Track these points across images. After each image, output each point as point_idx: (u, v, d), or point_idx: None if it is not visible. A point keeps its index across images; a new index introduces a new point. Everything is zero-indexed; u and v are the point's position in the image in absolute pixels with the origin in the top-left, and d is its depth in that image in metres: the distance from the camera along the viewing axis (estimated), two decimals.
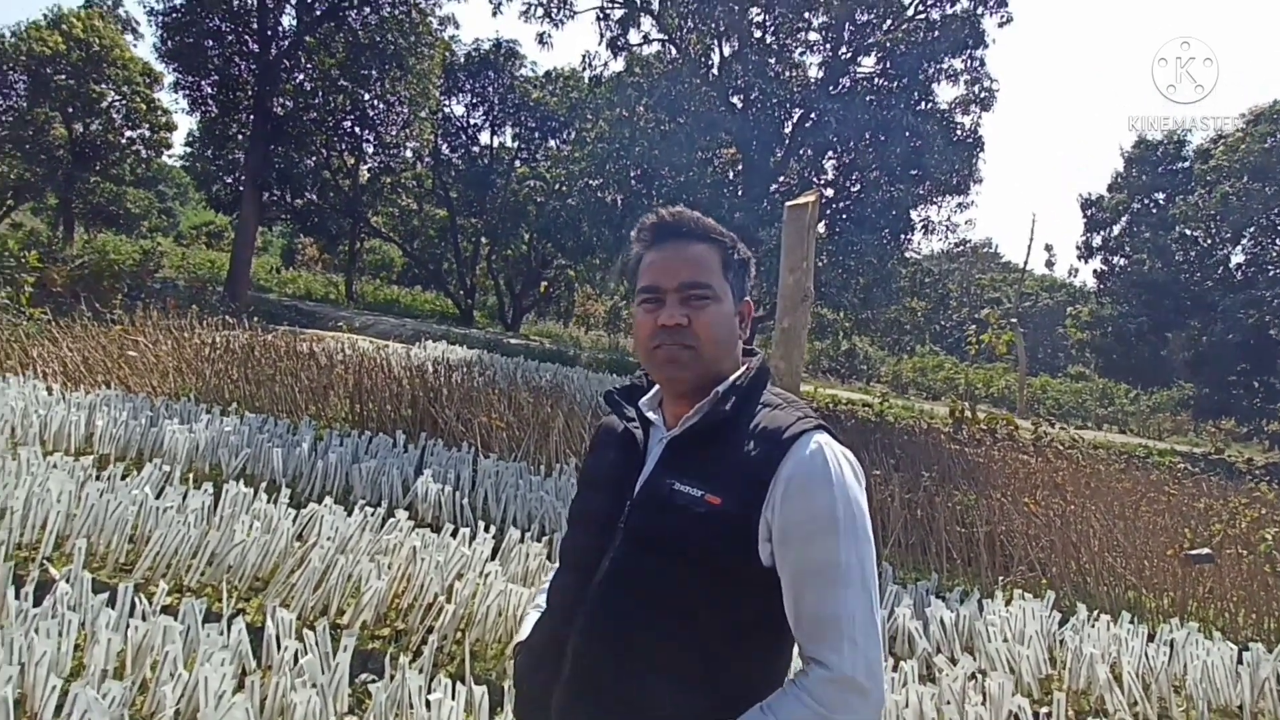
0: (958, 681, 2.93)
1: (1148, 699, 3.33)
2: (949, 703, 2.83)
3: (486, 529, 3.78)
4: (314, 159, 21.89)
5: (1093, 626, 3.81)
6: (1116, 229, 23.34)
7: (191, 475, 4.27)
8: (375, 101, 20.92)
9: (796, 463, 1.07)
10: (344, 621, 3.13)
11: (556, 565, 1.32)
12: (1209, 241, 19.88)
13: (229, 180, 20.94)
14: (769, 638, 1.12)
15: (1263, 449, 19.13)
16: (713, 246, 1.20)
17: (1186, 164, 21.96)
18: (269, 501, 3.77)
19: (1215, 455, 15.64)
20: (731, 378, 1.19)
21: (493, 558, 3.66)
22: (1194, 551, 4.54)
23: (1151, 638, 3.81)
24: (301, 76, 19.90)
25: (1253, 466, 14.49)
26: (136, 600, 2.59)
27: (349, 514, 3.76)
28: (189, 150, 26.25)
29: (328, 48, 19.53)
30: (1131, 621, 3.93)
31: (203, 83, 18.72)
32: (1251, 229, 18.60)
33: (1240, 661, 3.57)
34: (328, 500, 3.84)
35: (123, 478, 3.87)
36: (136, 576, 3.19)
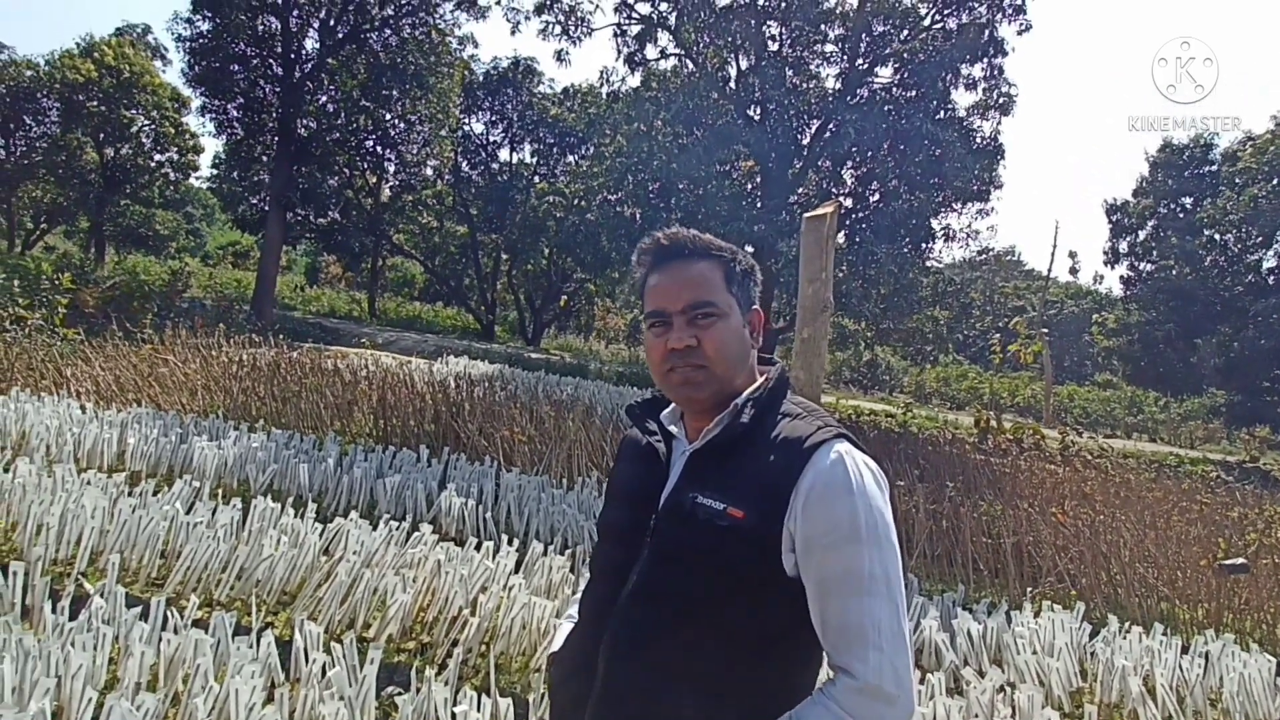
0: (986, 694, 2.89)
1: (1182, 712, 3.26)
2: (977, 716, 2.80)
3: (510, 542, 3.81)
4: (337, 178, 22.30)
5: (1124, 638, 3.74)
6: (1143, 234, 23.01)
7: (220, 491, 4.34)
8: (396, 121, 21.30)
9: (817, 472, 1.07)
10: (370, 635, 3.16)
11: (587, 576, 1.34)
12: (1238, 246, 19.53)
13: (254, 201, 21.39)
14: (797, 648, 1.13)
15: None
16: (713, 263, 1.21)
17: (1214, 167, 21.62)
18: (296, 516, 3.82)
19: (1250, 463, 15.27)
20: (749, 390, 1.19)
21: (516, 571, 3.68)
22: (1228, 561, 4.44)
23: (1186, 649, 3.73)
24: (324, 98, 20.33)
25: None
26: (168, 614, 2.64)
27: (374, 528, 3.80)
28: (215, 172, 26.89)
29: (349, 69, 19.94)
30: (1165, 633, 3.84)
31: (229, 106, 19.20)
32: None
33: (1279, 674, 3.48)
34: (353, 515, 3.88)
35: (154, 494, 3.95)
36: (168, 591, 3.25)
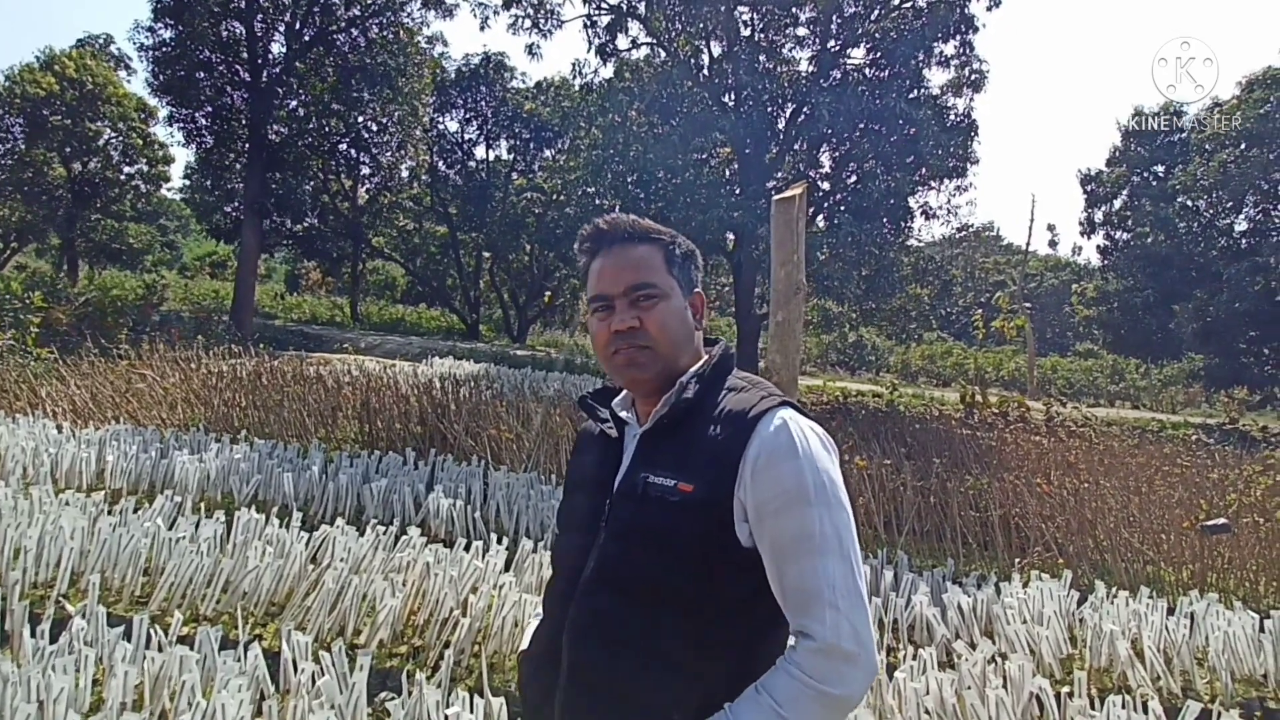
0: (977, 666, 2.92)
1: (1170, 673, 3.30)
2: (969, 688, 2.82)
3: (499, 541, 3.79)
4: (312, 183, 22.05)
5: (1111, 603, 3.78)
6: (1117, 203, 23.22)
7: (203, 505, 4.29)
8: (369, 123, 21.07)
9: (762, 440, 1.08)
10: (361, 641, 3.14)
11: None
12: (1211, 211, 19.75)
13: (228, 209, 21.11)
14: (759, 618, 1.12)
15: (1277, 416, 18.96)
16: (653, 246, 1.23)
17: (1184, 135, 21.84)
18: (281, 526, 3.79)
19: (1230, 425, 15.50)
20: (694, 368, 1.21)
21: (506, 569, 3.67)
22: (1210, 522, 4.50)
23: (1172, 611, 3.78)
24: (294, 103, 20.05)
25: (1268, 434, 14.36)
26: (152, 632, 2.60)
27: (361, 534, 3.77)
28: (187, 182, 26.51)
29: (318, 72, 19.67)
30: (1151, 596, 3.89)
31: (196, 114, 18.89)
32: (1253, 195, 18.47)
33: (1262, 630, 3.53)
34: (339, 521, 3.85)
35: (135, 511, 3.89)
36: (152, 608, 3.21)
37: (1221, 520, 4.40)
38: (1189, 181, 18.94)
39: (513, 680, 3.00)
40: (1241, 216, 19.29)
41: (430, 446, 6.34)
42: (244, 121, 18.92)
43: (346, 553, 3.58)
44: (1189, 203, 19.73)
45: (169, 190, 30.11)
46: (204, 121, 19.06)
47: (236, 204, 20.41)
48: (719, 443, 1.11)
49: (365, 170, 23.48)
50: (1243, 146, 17.50)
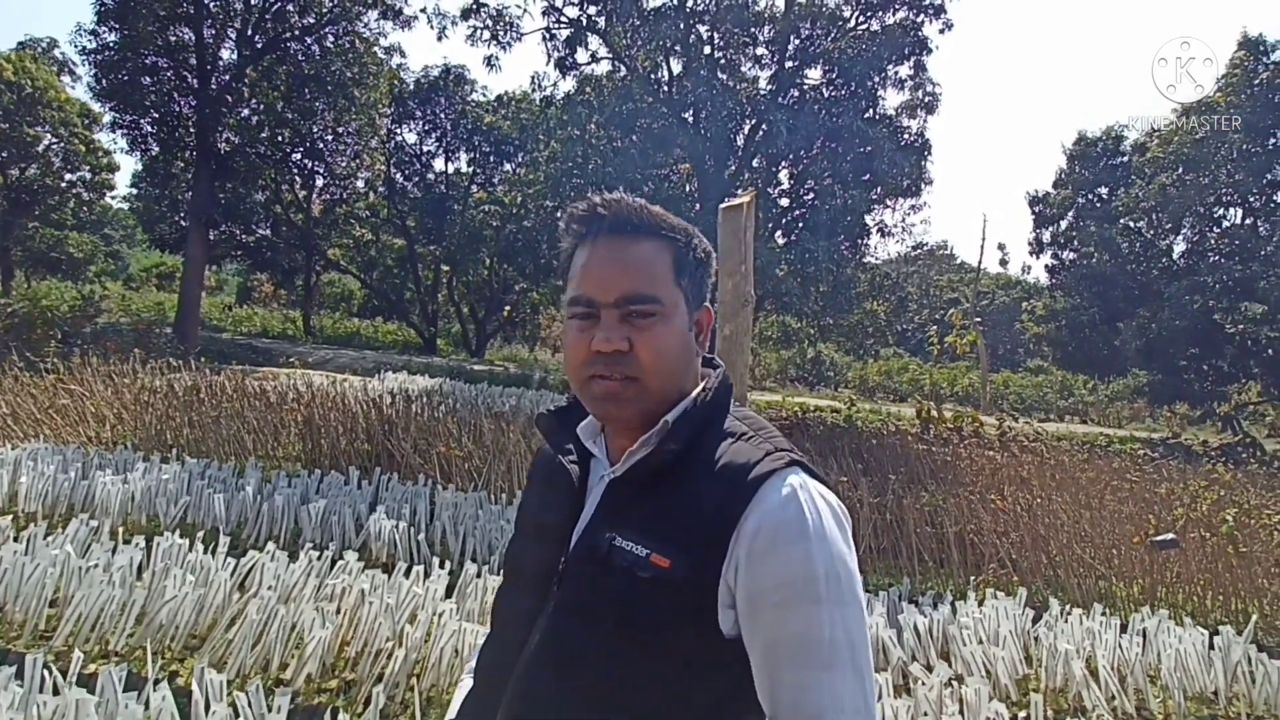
0: (934, 691, 2.84)
1: (1124, 692, 3.28)
2: (926, 714, 2.74)
3: (442, 565, 3.61)
4: (264, 193, 21.50)
5: (1066, 621, 3.76)
6: (1064, 224, 23.94)
7: (124, 529, 4.01)
8: (324, 133, 20.65)
9: (764, 512, 0.85)
10: (287, 676, 2.93)
11: (488, 629, 1.10)
12: (1151, 232, 20.47)
13: (174, 219, 20.44)
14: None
15: (1216, 431, 19.63)
16: (662, 244, 0.96)
17: (1125, 158, 22.66)
18: (206, 552, 3.55)
19: (1173, 439, 15.99)
20: (683, 404, 0.95)
21: (448, 596, 3.49)
22: (1159, 538, 4.54)
23: (1124, 628, 3.78)
24: (245, 110, 19.56)
25: (1208, 448, 14.83)
26: (47, 672, 2.37)
27: (293, 559, 3.55)
28: (134, 191, 25.65)
29: (270, 80, 19.23)
30: (1104, 613, 3.89)
31: (141, 121, 18.29)
32: (1190, 218, 19.20)
33: (1212, 647, 3.54)
34: (270, 546, 3.62)
35: (45, 536, 3.61)
36: (57, 644, 2.96)
37: (1170, 535, 4.44)
38: (1131, 204, 19.62)
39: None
40: (1180, 237, 20.04)
41: (376, 465, 6.11)
42: (191, 129, 18.37)
43: (276, 580, 3.36)
44: (1131, 224, 20.43)
45: (114, 199, 29.13)
46: (149, 128, 18.47)
47: (182, 213, 19.78)
48: (709, 506, 0.88)
49: (320, 181, 23.00)
50: (1180, 171, 18.21)
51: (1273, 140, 17.08)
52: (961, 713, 2.75)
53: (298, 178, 22.94)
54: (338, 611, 3.22)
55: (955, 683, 3.01)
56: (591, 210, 0.97)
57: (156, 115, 18.25)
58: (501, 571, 1.12)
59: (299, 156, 21.40)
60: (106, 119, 19.39)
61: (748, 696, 0.88)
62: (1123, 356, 20.44)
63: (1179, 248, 20.11)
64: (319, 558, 3.57)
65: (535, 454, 1.18)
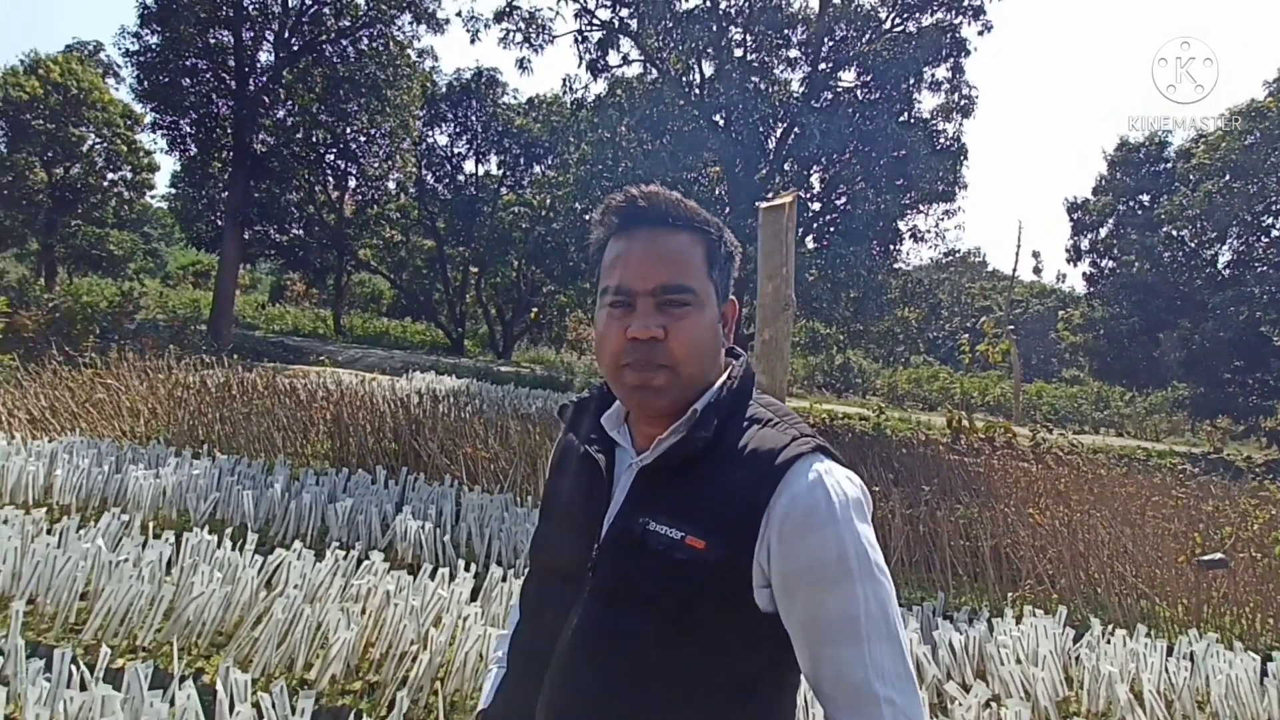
0: (971, 711, 2.74)
1: (1171, 718, 3.13)
2: None
3: (467, 567, 3.58)
4: (297, 193, 21.83)
5: (1108, 642, 3.62)
6: (1103, 231, 23.39)
7: (154, 524, 4.05)
8: (356, 135, 20.92)
9: (793, 496, 0.89)
10: (311, 676, 2.91)
11: (516, 614, 1.13)
12: (1195, 241, 19.91)
13: (210, 218, 20.84)
14: (773, 692, 0.96)
15: (1260, 446, 19.01)
16: (696, 237, 1.00)
17: (1169, 164, 22.07)
18: (234, 549, 3.56)
19: (1214, 454, 15.50)
20: (710, 392, 0.99)
21: (473, 599, 3.45)
22: (1207, 557, 4.36)
23: (1170, 651, 3.62)
24: (281, 112, 19.89)
25: (1253, 464, 14.35)
26: (75, 668, 2.37)
27: (320, 558, 3.55)
28: (173, 190, 26.22)
29: (306, 82, 19.53)
30: (1149, 634, 3.73)
31: (181, 122, 18.68)
32: (1236, 226, 18.64)
33: (1264, 673, 3.38)
34: (297, 545, 3.62)
35: (78, 530, 3.65)
36: (86, 637, 2.97)
37: (1219, 555, 4.26)
38: (1174, 211, 19.10)
39: None
40: (1226, 247, 19.45)
41: (403, 465, 6.12)
42: (229, 129, 18.72)
43: (302, 579, 3.35)
44: (1174, 232, 19.88)
45: (154, 198, 29.81)
46: (188, 129, 18.85)
47: (219, 212, 20.17)
48: (738, 491, 0.91)
49: (352, 182, 23.29)
50: (1227, 178, 17.68)
51: None
52: None
53: (331, 178, 23.26)
54: (363, 612, 3.21)
55: (993, 703, 2.90)
56: (630, 202, 1.00)
57: (195, 116, 18.63)
58: (528, 563, 1.14)
59: (332, 157, 21.70)
60: (147, 120, 19.84)
61: (783, 666, 0.94)
62: (1163, 368, 19.91)
63: (1224, 257, 19.54)
64: (345, 557, 3.56)
65: (556, 444, 1.20)
